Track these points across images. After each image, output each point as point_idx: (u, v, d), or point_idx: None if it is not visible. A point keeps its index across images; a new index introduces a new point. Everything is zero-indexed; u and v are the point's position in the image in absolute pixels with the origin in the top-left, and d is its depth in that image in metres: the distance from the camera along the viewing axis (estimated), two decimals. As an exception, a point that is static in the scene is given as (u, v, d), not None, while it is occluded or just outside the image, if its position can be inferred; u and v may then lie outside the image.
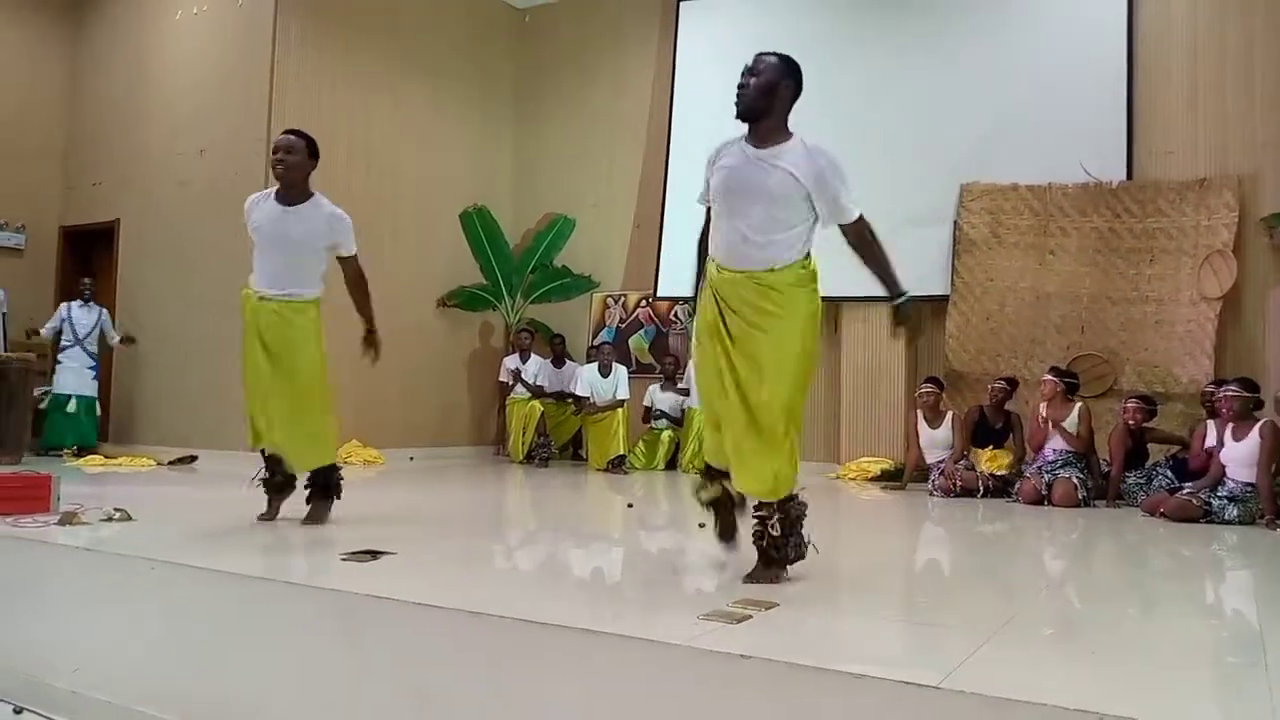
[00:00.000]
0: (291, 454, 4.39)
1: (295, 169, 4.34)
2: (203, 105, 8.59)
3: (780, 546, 3.12)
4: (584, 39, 10.36)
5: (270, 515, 4.44)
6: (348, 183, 8.71)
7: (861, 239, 3.22)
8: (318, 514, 4.44)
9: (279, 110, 8.13)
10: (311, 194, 4.42)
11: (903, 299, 3.25)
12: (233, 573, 3.20)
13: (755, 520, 3.17)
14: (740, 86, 3.15)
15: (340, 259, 4.51)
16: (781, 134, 3.16)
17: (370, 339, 4.61)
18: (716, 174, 3.20)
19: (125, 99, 9.19)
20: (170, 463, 7.73)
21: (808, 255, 3.20)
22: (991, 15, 8.32)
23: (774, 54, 3.21)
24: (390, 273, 9.11)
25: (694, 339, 3.39)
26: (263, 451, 4.46)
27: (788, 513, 3.12)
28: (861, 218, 3.19)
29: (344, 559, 3.43)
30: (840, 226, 3.20)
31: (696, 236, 3.44)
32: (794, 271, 3.14)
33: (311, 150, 4.42)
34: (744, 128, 3.20)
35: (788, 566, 3.15)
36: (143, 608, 3.26)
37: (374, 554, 3.50)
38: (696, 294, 3.37)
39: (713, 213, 3.26)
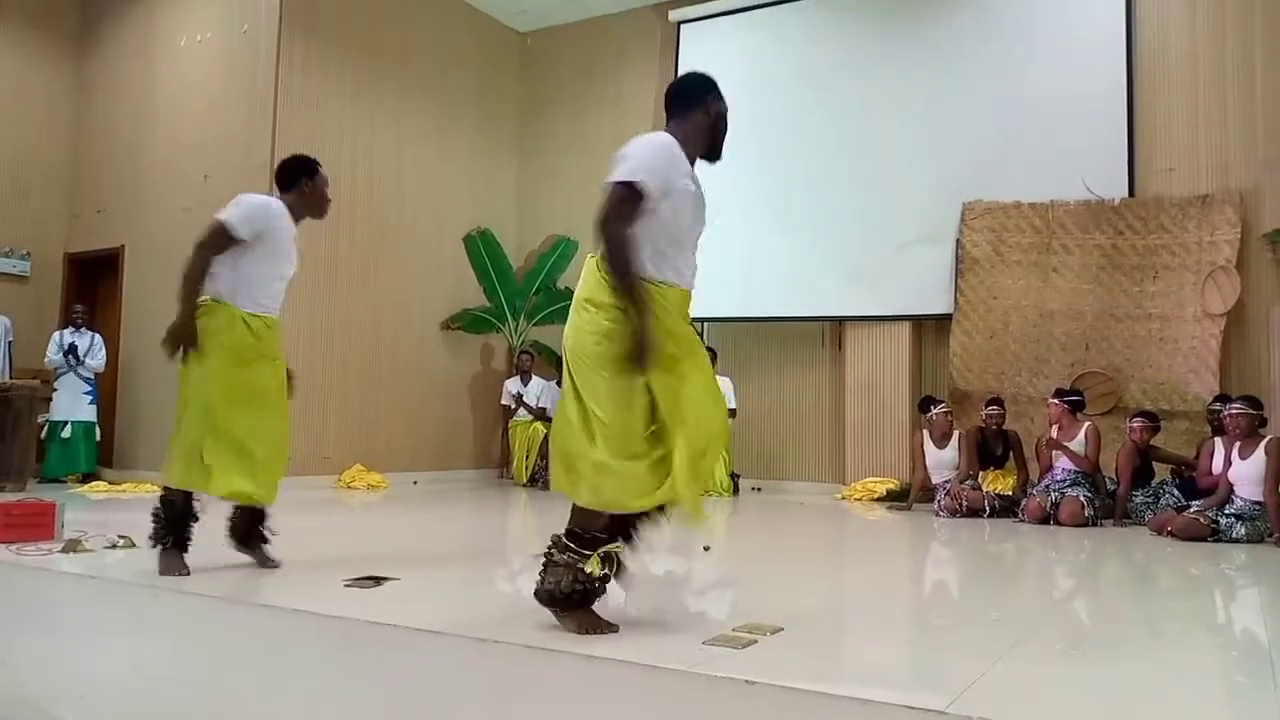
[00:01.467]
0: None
1: None
2: (207, 131, 8.65)
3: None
4: (585, 61, 10.44)
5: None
6: (351, 206, 8.77)
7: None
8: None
9: (282, 136, 8.18)
10: None
11: None
12: (235, 600, 3.19)
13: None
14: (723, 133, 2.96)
15: None
16: None
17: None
18: (687, 191, 2.83)
19: (130, 126, 9.26)
20: (174, 488, 7.71)
21: None
22: (991, 35, 8.36)
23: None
24: (393, 296, 9.16)
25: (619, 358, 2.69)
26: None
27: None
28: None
29: (347, 585, 3.42)
30: None
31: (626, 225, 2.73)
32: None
33: None
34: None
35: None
36: (146, 635, 3.26)
37: (377, 580, 3.49)
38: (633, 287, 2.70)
39: (660, 228, 2.76)
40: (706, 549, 4.88)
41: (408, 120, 9.44)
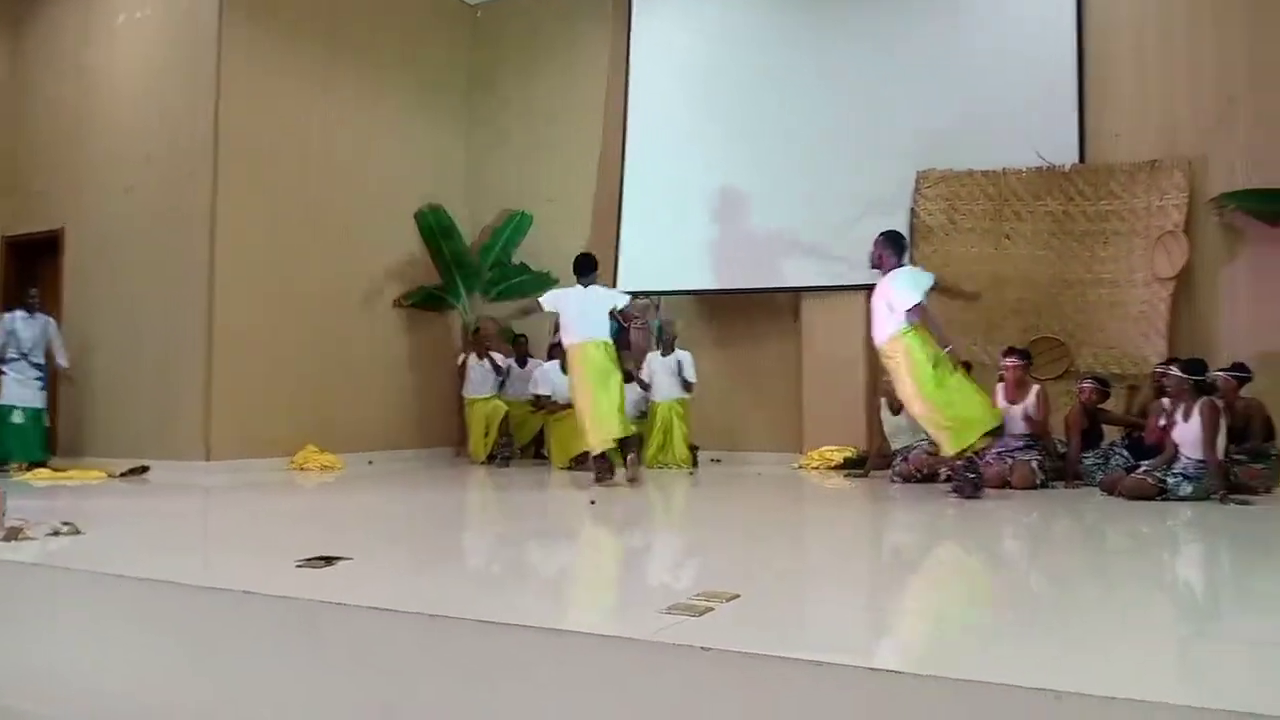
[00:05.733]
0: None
1: None
2: (147, 110, 8.41)
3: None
4: (536, 32, 10.29)
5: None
6: (300, 184, 8.59)
7: None
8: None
9: (225, 114, 7.98)
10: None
11: None
12: (183, 583, 3.11)
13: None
14: None
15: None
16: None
17: None
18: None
19: (68, 105, 8.98)
20: (122, 474, 7.56)
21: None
22: (943, 3, 8.37)
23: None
24: (342, 274, 9.00)
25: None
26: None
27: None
28: None
29: (299, 565, 3.36)
30: None
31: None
32: None
33: None
34: None
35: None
36: (93, 623, 3.18)
37: (329, 559, 3.44)
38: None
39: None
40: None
41: (356, 96, 9.24)
